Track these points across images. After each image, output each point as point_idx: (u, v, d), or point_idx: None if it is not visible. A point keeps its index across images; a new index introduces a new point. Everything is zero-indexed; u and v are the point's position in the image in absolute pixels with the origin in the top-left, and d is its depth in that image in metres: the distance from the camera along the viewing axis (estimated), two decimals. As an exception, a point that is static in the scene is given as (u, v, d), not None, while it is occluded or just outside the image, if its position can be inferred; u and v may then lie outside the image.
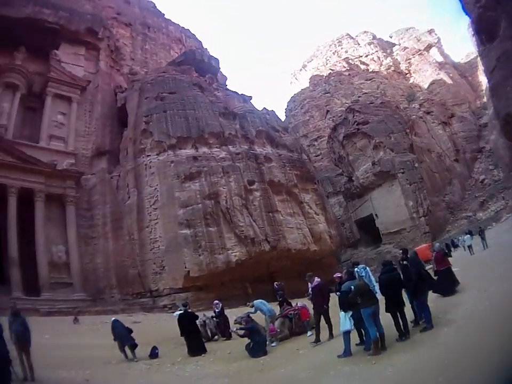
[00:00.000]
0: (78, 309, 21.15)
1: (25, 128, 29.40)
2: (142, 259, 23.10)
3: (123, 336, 11.41)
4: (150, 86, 27.32)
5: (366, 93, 52.46)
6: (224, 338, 13.02)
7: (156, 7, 50.68)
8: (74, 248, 25.53)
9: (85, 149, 28.87)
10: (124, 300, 23.44)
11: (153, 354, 11.12)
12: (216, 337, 13.38)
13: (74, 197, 26.50)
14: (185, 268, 21.02)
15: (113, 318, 13.40)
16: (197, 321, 12.09)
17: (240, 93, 35.53)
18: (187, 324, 11.53)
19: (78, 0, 33.58)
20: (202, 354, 10.81)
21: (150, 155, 24.29)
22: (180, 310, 13.24)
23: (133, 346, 11.09)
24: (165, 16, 50.81)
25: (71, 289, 24.59)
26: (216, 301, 14.17)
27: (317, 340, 9.39)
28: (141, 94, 27.14)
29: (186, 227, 21.37)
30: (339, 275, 9.85)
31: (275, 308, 12.40)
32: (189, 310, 12.48)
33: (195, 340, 11.34)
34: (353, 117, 44.02)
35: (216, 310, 13.62)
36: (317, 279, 9.84)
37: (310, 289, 10.27)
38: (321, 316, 9.58)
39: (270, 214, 22.84)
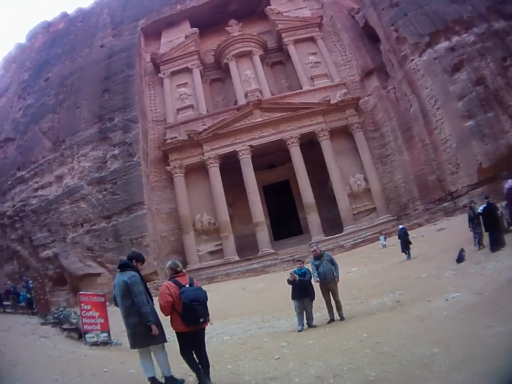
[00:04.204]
0: (383, 232, 21.60)
1: (280, 82, 31.19)
2: (438, 162, 23.34)
3: (402, 246, 15.02)
4: (379, -3, 27.57)
5: None
6: None
7: None
8: (372, 171, 26.00)
9: (351, 75, 29.46)
10: (427, 209, 24.09)
11: (461, 257, 11.22)
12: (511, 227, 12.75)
13: (358, 123, 27.00)
14: (477, 160, 20.82)
15: (400, 227, 16.65)
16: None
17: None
18: (490, 217, 11.08)
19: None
20: (501, 248, 10.58)
21: (413, 59, 24.09)
22: (480, 204, 12.89)
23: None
24: None
25: (375, 214, 25.35)
26: None
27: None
28: (376, 8, 26.96)
29: (469, 118, 21.24)
30: None
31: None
32: (491, 202, 11.72)
33: (497, 234, 10.92)
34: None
35: None
36: (510, 181, 7.50)
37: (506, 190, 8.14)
38: None
39: (529, 87, 21.51)
